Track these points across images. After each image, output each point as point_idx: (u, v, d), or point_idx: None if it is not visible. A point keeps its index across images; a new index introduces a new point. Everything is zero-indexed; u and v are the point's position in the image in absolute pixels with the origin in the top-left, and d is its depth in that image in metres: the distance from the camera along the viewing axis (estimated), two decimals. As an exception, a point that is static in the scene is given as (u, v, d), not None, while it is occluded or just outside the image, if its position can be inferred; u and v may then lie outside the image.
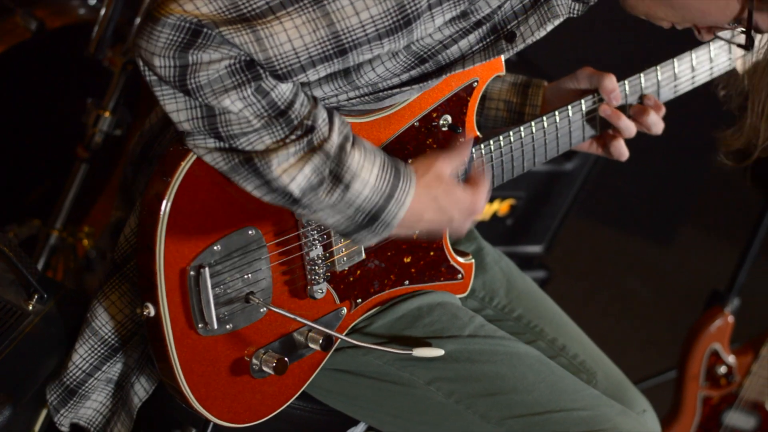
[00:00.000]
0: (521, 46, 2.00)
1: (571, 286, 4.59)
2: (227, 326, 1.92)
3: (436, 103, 2.06)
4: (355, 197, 1.82)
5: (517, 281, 2.40)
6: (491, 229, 3.59)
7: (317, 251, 1.99)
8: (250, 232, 1.91)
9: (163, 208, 1.82)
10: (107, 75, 3.00)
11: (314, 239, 1.99)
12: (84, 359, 2.02)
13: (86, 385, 2.04)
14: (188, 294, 1.87)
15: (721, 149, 2.13)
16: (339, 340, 2.06)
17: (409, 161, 1.94)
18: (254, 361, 1.96)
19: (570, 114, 2.22)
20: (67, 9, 3.22)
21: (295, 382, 2.05)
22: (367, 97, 1.94)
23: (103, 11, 2.96)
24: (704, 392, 3.35)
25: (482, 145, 2.12)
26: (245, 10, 1.69)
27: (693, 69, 2.31)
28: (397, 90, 1.94)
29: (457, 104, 2.08)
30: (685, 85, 2.33)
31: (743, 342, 3.36)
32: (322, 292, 2.01)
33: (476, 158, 2.13)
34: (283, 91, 1.76)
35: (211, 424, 2.05)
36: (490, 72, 2.09)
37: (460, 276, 2.23)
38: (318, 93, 1.88)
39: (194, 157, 1.82)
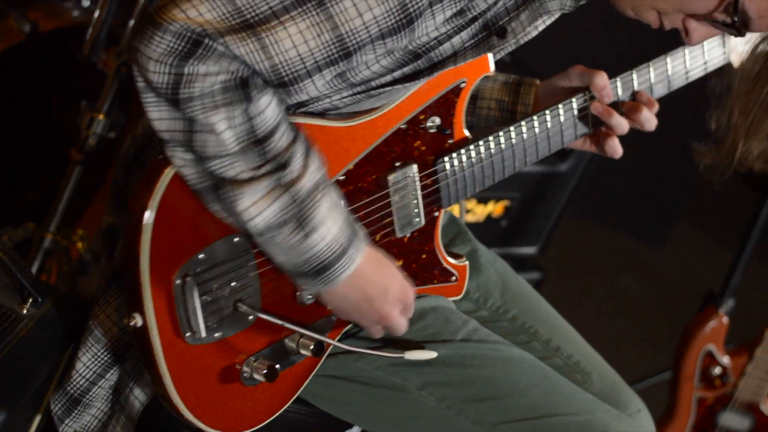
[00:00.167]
0: (513, 44, 2.00)
1: (566, 287, 4.59)
2: (216, 334, 1.91)
3: (424, 105, 2.05)
4: (310, 248, 1.81)
5: (512, 282, 2.40)
6: (486, 231, 3.59)
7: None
8: (235, 239, 1.90)
9: (146, 218, 1.81)
10: (101, 77, 3.00)
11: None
12: (87, 367, 2.02)
13: (90, 393, 2.04)
14: (175, 303, 1.86)
15: (698, 164, 2.15)
16: (331, 346, 2.06)
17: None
18: (245, 368, 1.96)
19: (561, 112, 2.21)
20: (61, 11, 3.22)
21: (287, 389, 2.05)
22: (359, 95, 1.93)
23: (96, 13, 2.96)
24: (699, 393, 3.36)
25: (472, 146, 2.12)
26: (249, 16, 1.68)
27: (686, 64, 2.31)
28: (389, 87, 1.93)
29: (445, 106, 2.07)
30: (678, 81, 2.32)
31: (738, 343, 3.37)
32: (312, 298, 2.00)
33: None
34: (267, 118, 1.75)
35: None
36: (477, 72, 2.08)
37: (453, 278, 2.22)
38: (312, 91, 1.84)
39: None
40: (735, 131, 2.08)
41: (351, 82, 1.89)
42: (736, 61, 2.30)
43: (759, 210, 3.34)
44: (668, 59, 2.28)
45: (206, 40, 1.66)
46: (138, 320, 1.85)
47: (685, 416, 3.36)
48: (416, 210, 2.10)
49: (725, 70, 2.25)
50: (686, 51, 2.29)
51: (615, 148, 2.28)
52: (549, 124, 2.20)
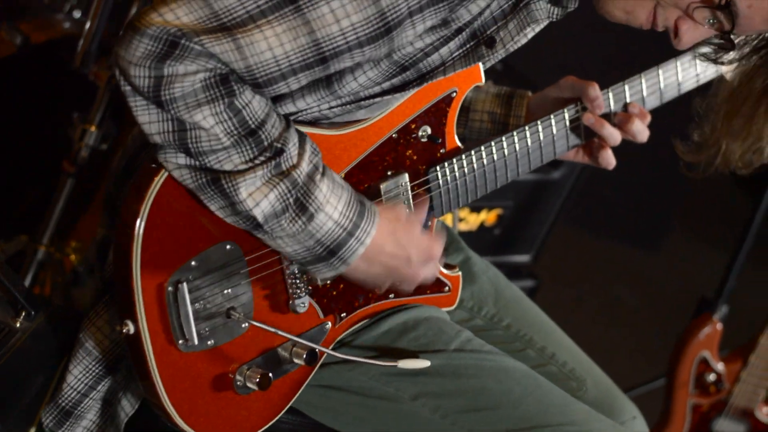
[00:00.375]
0: (502, 53, 1.99)
1: (560, 294, 4.59)
2: (209, 342, 1.91)
3: (415, 114, 2.05)
4: (317, 229, 1.82)
5: (505, 291, 2.39)
6: (479, 239, 3.59)
7: (297, 265, 1.98)
8: (228, 246, 1.90)
9: (137, 225, 1.81)
10: (93, 89, 3.00)
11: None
12: (79, 380, 2.02)
13: (82, 405, 2.03)
14: (167, 310, 1.86)
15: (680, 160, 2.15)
16: (324, 355, 2.05)
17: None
18: (238, 377, 1.95)
19: (553, 123, 2.21)
20: (52, 23, 3.22)
21: (280, 398, 2.05)
22: (348, 106, 1.94)
23: (88, 25, 2.96)
24: (694, 400, 3.36)
25: (464, 156, 2.12)
26: (225, 20, 1.69)
27: (678, 76, 2.31)
28: (379, 99, 1.94)
29: (436, 115, 2.07)
30: (671, 93, 2.32)
31: (732, 349, 3.37)
32: (305, 306, 2.00)
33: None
34: (255, 109, 1.77)
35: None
36: (468, 82, 2.08)
37: (447, 288, 2.22)
38: (301, 104, 1.88)
39: (167, 173, 1.81)
40: (717, 133, 2.08)
41: (338, 94, 1.89)
42: (728, 73, 2.30)
43: (752, 216, 3.34)
44: (660, 71, 2.28)
45: (183, 41, 1.68)
46: (130, 327, 1.85)
47: (680, 423, 3.36)
48: (408, 219, 2.10)
49: (714, 82, 2.25)
50: (678, 63, 2.29)
51: (608, 160, 2.28)
52: (541, 135, 2.20)
